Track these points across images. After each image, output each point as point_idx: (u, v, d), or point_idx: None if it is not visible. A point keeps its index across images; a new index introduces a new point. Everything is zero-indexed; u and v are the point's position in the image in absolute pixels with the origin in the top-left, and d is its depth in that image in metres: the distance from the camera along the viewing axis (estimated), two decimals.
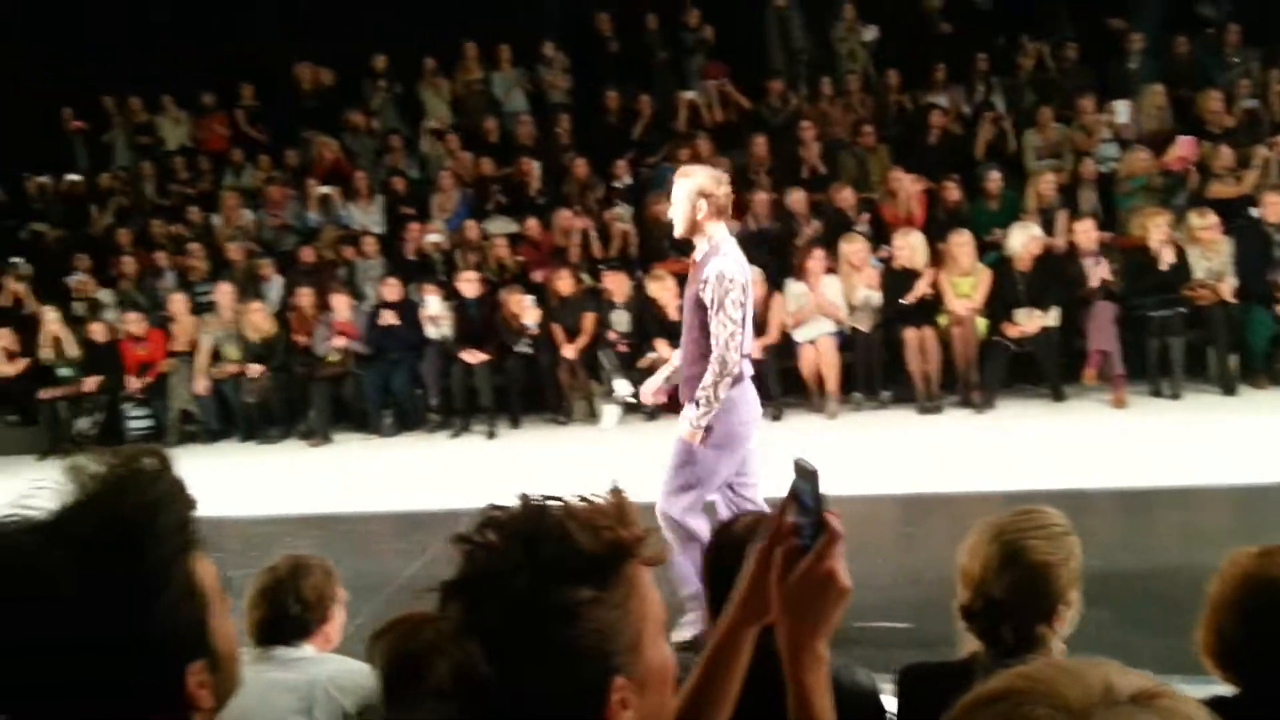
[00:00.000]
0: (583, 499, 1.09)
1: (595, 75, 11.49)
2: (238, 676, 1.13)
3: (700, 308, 3.98)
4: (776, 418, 8.14)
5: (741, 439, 4.11)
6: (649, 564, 1.11)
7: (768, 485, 4.23)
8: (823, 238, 8.82)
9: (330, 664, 2.63)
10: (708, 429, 4.04)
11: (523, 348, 8.73)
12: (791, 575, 1.18)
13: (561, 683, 1.02)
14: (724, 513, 4.19)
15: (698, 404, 4.00)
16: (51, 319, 9.61)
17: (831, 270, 8.34)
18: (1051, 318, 7.78)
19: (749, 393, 4.12)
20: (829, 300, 8.18)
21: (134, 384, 9.30)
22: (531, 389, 8.88)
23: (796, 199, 9.21)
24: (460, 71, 11.76)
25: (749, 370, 4.14)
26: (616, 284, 8.70)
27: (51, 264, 10.92)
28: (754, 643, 1.30)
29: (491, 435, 8.57)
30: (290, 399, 9.20)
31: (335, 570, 2.74)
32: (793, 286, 8.30)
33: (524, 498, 1.09)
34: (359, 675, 2.59)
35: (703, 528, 4.11)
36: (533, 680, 1.01)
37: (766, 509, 4.25)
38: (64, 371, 9.50)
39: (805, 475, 1.20)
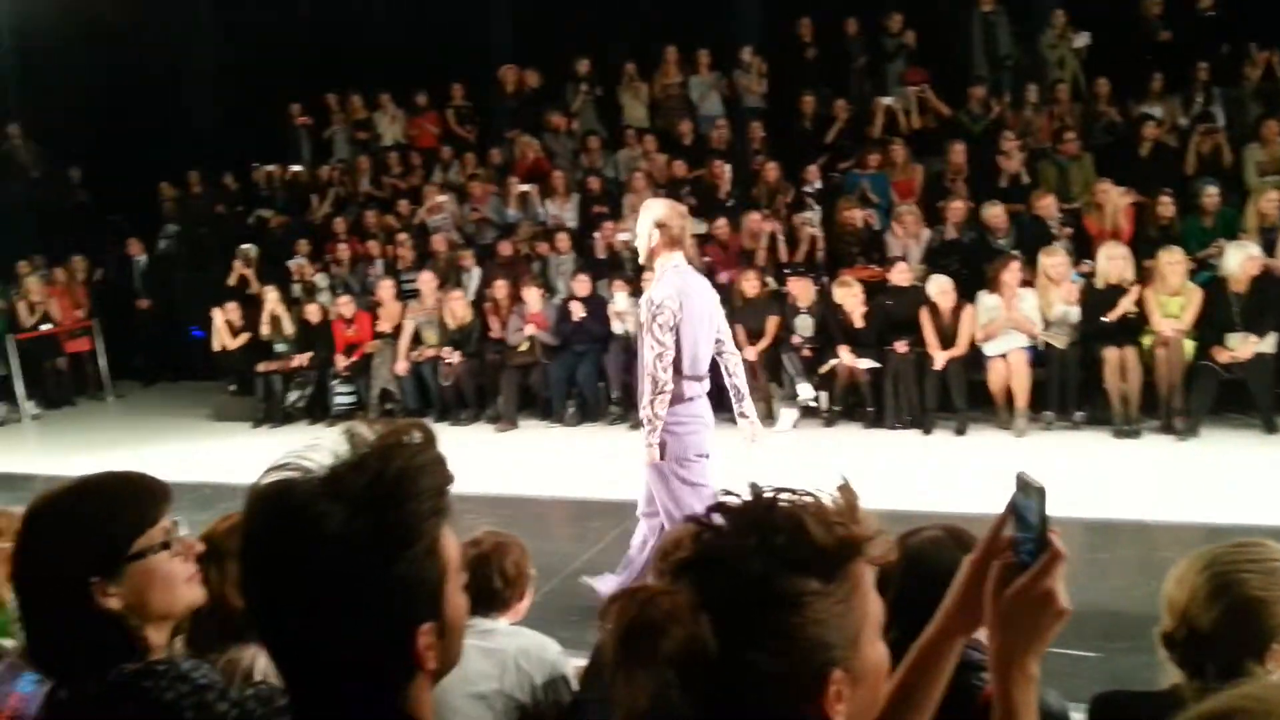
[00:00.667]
0: (811, 494, 1.11)
1: (792, 80, 11.48)
2: (459, 650, 1.19)
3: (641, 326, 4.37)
4: (960, 432, 7.94)
5: (695, 445, 4.48)
6: (876, 563, 1.12)
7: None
8: (1021, 249, 8.52)
9: (521, 637, 2.76)
10: (662, 445, 4.37)
11: None
12: (1008, 590, 1.16)
13: (782, 668, 1.04)
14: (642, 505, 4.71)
15: (644, 424, 4.36)
16: (272, 298, 10.41)
17: (1028, 283, 8.05)
18: (1267, 343, 7.24)
19: (691, 407, 4.45)
20: (1023, 314, 7.89)
21: (341, 362, 9.95)
22: (712, 387, 8.94)
23: (994, 212, 8.91)
24: (659, 75, 11.99)
25: (695, 390, 4.49)
26: (801, 289, 8.67)
27: (274, 247, 11.81)
28: (958, 654, 1.30)
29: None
30: (482, 384, 9.63)
31: (528, 549, 2.87)
32: (985, 299, 8.05)
33: (755, 488, 1.12)
34: (546, 650, 2.73)
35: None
36: (755, 662, 1.04)
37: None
38: (280, 347, 10.28)
39: (1029, 491, 1.18)
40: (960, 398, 7.96)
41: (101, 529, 1.49)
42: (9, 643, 2.46)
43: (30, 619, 1.50)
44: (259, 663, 2.33)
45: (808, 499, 1.10)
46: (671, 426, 4.38)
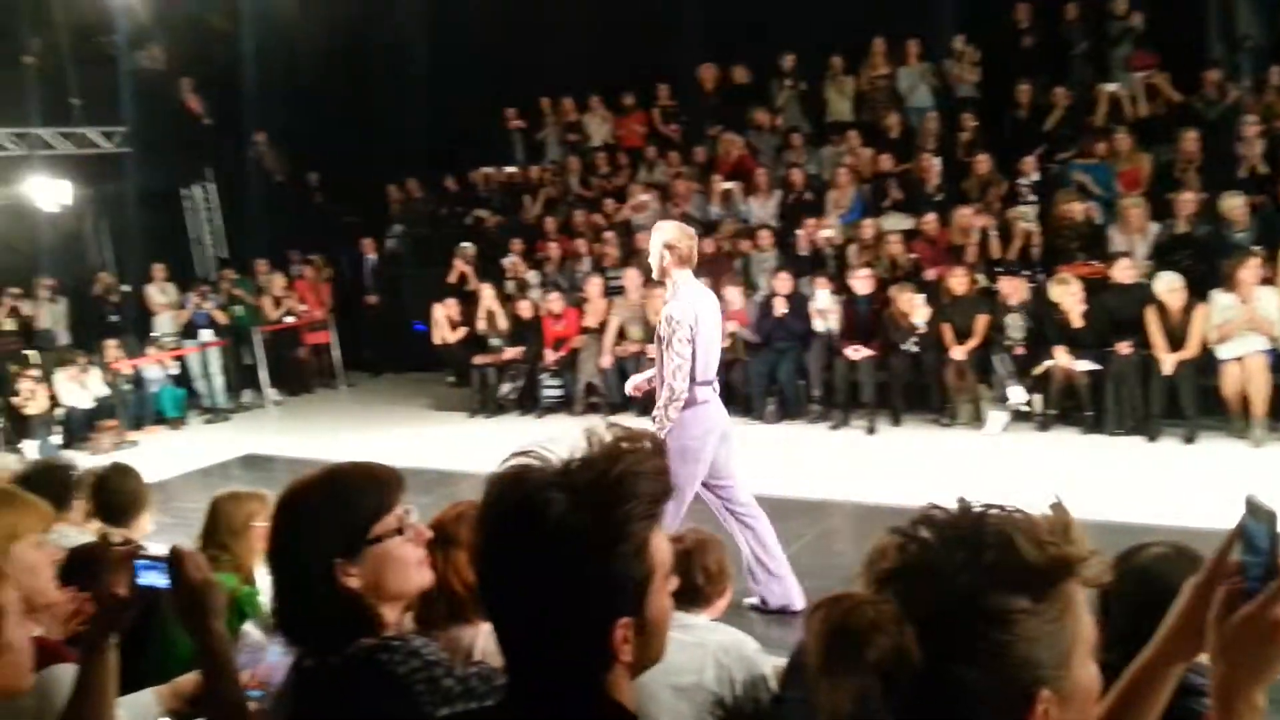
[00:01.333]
0: (1021, 511, 1.10)
1: (1006, 68, 11.03)
2: (660, 649, 1.24)
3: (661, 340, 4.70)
4: (1189, 440, 7.43)
5: (694, 452, 4.74)
6: (1089, 584, 1.10)
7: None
8: (1262, 243, 7.89)
9: (721, 633, 2.83)
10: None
11: (909, 346, 8.64)
12: (1234, 617, 1.12)
13: (988, 684, 1.04)
14: (719, 514, 5.06)
15: (654, 422, 4.65)
16: (488, 295, 10.94)
17: (1269, 281, 7.44)
18: None
19: (701, 411, 4.76)
20: (1262, 314, 7.30)
21: (550, 356, 10.34)
22: (915, 387, 8.78)
23: (1233, 204, 8.27)
24: (865, 68, 11.78)
25: (706, 394, 4.79)
26: (1013, 286, 8.34)
27: (490, 246, 12.39)
28: (1177, 679, 1.27)
29: (871, 430, 8.58)
30: None
31: (729, 547, 2.95)
32: (1220, 298, 7.50)
33: (963, 501, 1.12)
34: (745, 647, 2.78)
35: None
36: (961, 676, 1.04)
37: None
38: (494, 342, 10.79)
39: (1259, 515, 1.14)
40: (1190, 403, 7.45)
41: (345, 514, 1.63)
42: (252, 629, 2.72)
43: (281, 594, 1.65)
44: (479, 642, 2.51)
45: (1018, 515, 1.09)
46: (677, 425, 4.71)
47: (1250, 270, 7.34)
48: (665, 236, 4.82)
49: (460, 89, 13.44)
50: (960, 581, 1.05)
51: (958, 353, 8.36)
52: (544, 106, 13.62)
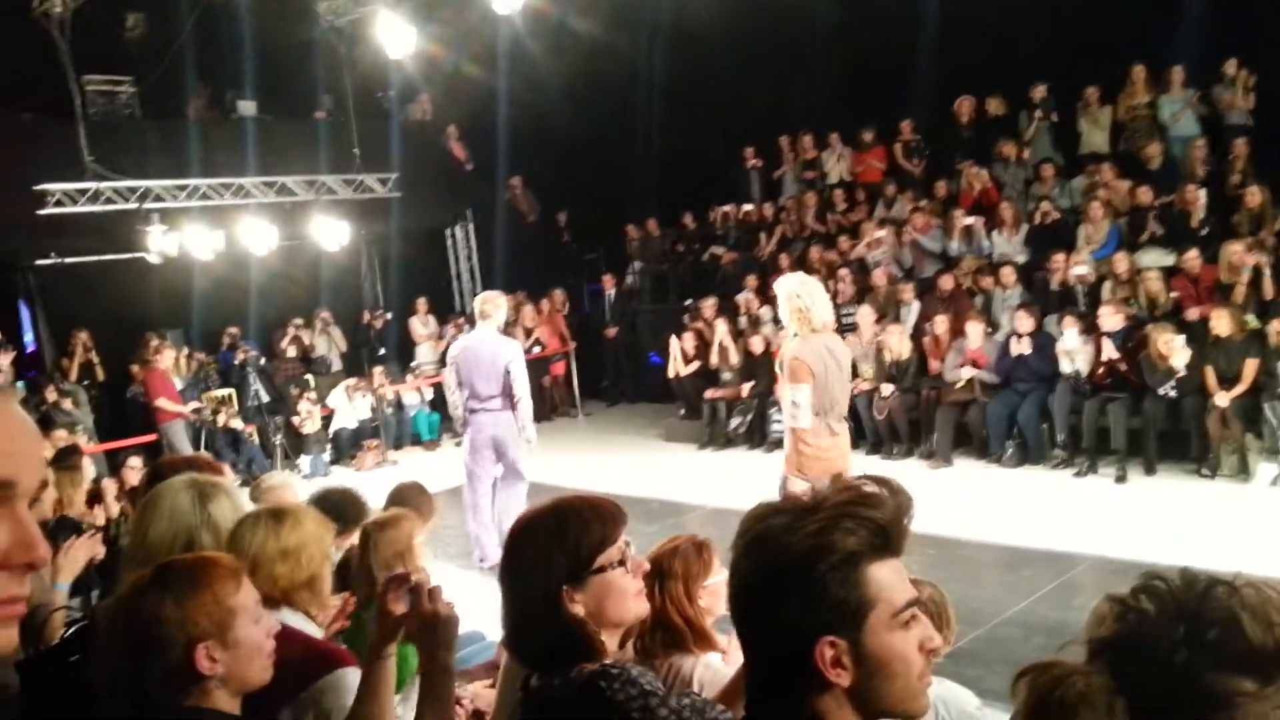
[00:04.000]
0: (1252, 585, 1.06)
1: None
2: (903, 697, 1.27)
3: None
4: None
5: None
6: None
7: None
8: None
9: (941, 686, 2.79)
10: None
11: (1167, 390, 8.08)
12: None
13: None
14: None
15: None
16: (721, 331, 11.13)
17: None
18: None
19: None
20: None
21: (779, 392, 10.37)
22: (1172, 434, 8.17)
23: None
24: (1124, 97, 11.17)
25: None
26: None
27: (726, 283, 12.60)
28: None
29: (1121, 479, 8.07)
30: (916, 419, 9.56)
31: (946, 595, 2.88)
32: None
33: (1188, 572, 1.09)
34: (966, 702, 2.73)
35: None
36: None
37: None
38: (726, 376, 10.95)
39: None
40: None
41: (572, 545, 1.75)
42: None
43: (511, 616, 1.78)
44: (697, 672, 2.62)
45: (1248, 591, 1.04)
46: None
47: None
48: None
49: (699, 129, 13.80)
50: (1179, 658, 1.02)
51: (1222, 399, 7.74)
52: (782, 144, 13.74)
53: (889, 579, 1.26)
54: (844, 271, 11.31)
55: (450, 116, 15.15)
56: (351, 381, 12.33)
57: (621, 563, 1.78)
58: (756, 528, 1.30)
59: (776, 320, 11.40)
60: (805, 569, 1.23)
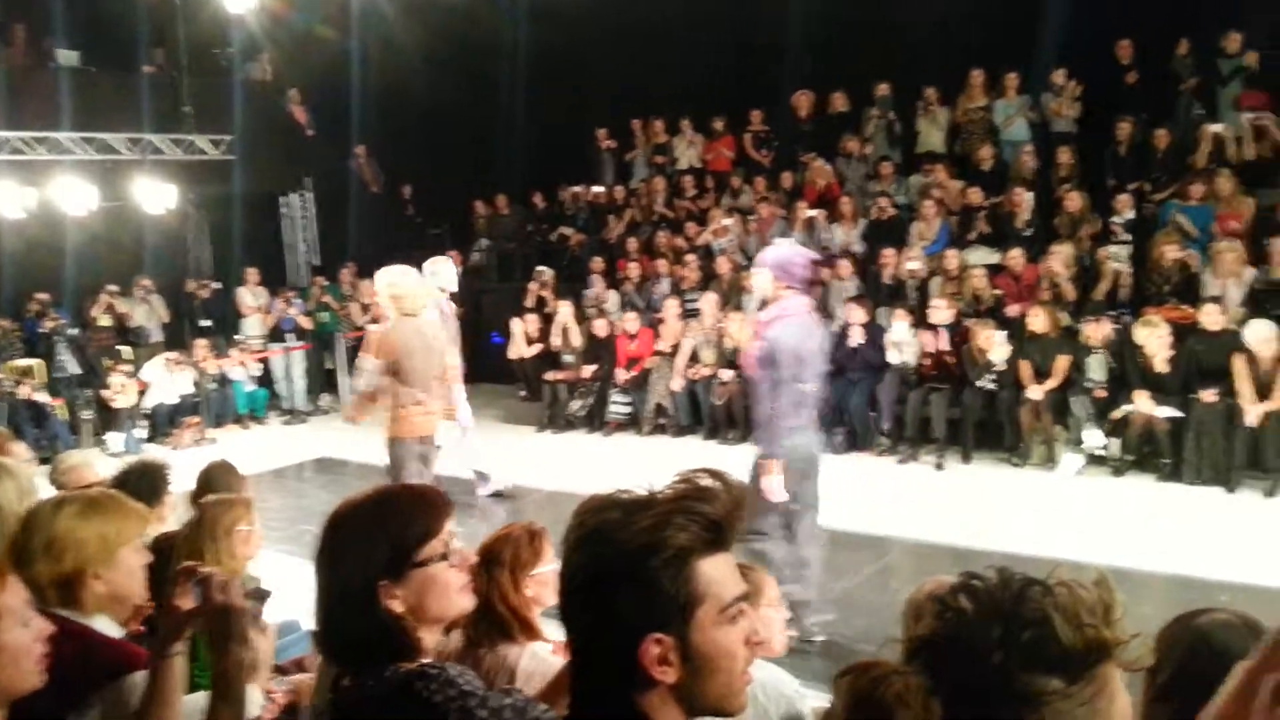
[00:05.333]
0: (1065, 585, 1.09)
1: (1108, 104, 10.80)
2: (727, 694, 1.25)
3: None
4: (1271, 494, 7.15)
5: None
6: (1128, 668, 1.09)
7: None
8: None
9: (760, 670, 2.83)
10: None
11: (985, 382, 8.50)
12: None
13: None
14: None
15: None
16: (564, 312, 11.08)
17: None
18: None
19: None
20: None
21: (622, 376, 10.42)
22: (988, 425, 8.61)
23: None
24: (962, 99, 11.66)
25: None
26: (1096, 328, 8.15)
27: (573, 264, 12.55)
28: None
29: (940, 467, 8.45)
30: (751, 406, 9.73)
31: (769, 579, 2.87)
32: None
33: (1004, 572, 1.11)
34: (785, 685, 2.73)
35: None
36: None
37: None
38: (568, 358, 10.91)
39: None
40: (1274, 456, 7.16)
41: (392, 537, 1.65)
42: None
43: (323, 612, 1.67)
44: (522, 661, 2.57)
45: (1061, 591, 1.07)
46: None
47: None
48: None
49: (554, 109, 13.69)
50: (995, 659, 1.04)
51: (1035, 392, 8.18)
52: (635, 128, 13.76)
53: (719, 574, 1.24)
54: (690, 258, 11.44)
55: (296, 78, 14.49)
56: (172, 354, 11.67)
57: (444, 556, 1.69)
58: (589, 522, 1.26)
59: (622, 304, 11.55)
60: (636, 565, 1.20)
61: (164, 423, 11.24)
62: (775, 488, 4.79)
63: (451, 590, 1.71)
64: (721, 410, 9.80)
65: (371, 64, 13.87)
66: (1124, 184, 10.03)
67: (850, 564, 6.20)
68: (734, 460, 8.87)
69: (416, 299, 5.88)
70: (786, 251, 5.04)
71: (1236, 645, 1.73)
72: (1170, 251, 8.77)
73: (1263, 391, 7.26)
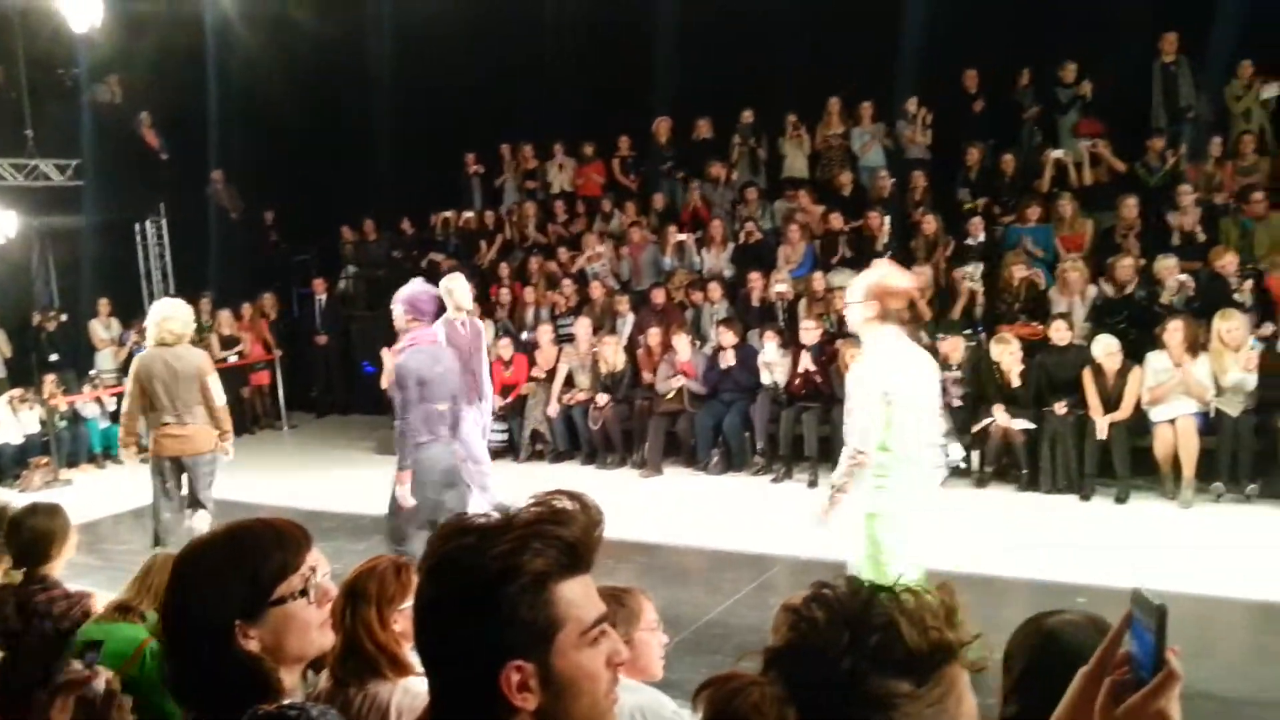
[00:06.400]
0: (910, 590, 1.12)
1: (957, 132, 11.31)
2: (571, 709, 1.22)
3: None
4: (1121, 500, 7.57)
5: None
6: (971, 669, 1.13)
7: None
8: (1197, 308, 8.11)
9: (640, 694, 2.80)
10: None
11: None
12: (1119, 709, 1.11)
13: None
14: None
15: None
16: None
17: (1202, 346, 7.64)
18: None
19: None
20: (1195, 378, 7.49)
21: (497, 402, 10.27)
22: None
23: (1165, 265, 8.52)
24: (821, 126, 12.02)
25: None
26: (952, 345, 8.50)
27: None
28: None
29: (813, 484, 8.63)
30: (629, 429, 9.79)
31: (649, 600, 2.85)
32: (1154, 360, 7.68)
33: (853, 581, 1.15)
34: (664, 707, 2.73)
35: None
36: None
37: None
38: None
39: (1148, 609, 1.12)
40: (1123, 464, 7.60)
41: (248, 574, 1.59)
42: None
43: (174, 655, 1.60)
44: (395, 698, 2.49)
45: (906, 597, 1.11)
46: None
47: (1183, 334, 7.53)
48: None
49: (421, 134, 13.54)
50: (845, 664, 1.07)
51: None
52: (503, 152, 13.71)
53: (578, 597, 1.23)
54: (566, 282, 11.44)
55: (148, 101, 13.91)
56: (16, 391, 11.00)
57: (304, 592, 1.63)
58: (443, 549, 1.23)
59: (496, 330, 11.44)
60: (493, 592, 1.18)
61: (10, 464, 10.56)
62: (404, 496, 5.57)
63: (311, 628, 1.65)
64: (599, 434, 9.80)
65: (230, 86, 13.46)
66: (975, 207, 10.50)
67: (729, 582, 6.28)
68: (613, 484, 8.95)
69: (167, 331, 6.40)
70: (415, 289, 5.92)
71: (1085, 644, 1.82)
72: (1018, 271, 9.22)
73: (1109, 403, 7.67)
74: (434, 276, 12.86)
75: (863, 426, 4.17)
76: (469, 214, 13.54)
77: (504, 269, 12.16)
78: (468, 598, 1.19)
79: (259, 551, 1.62)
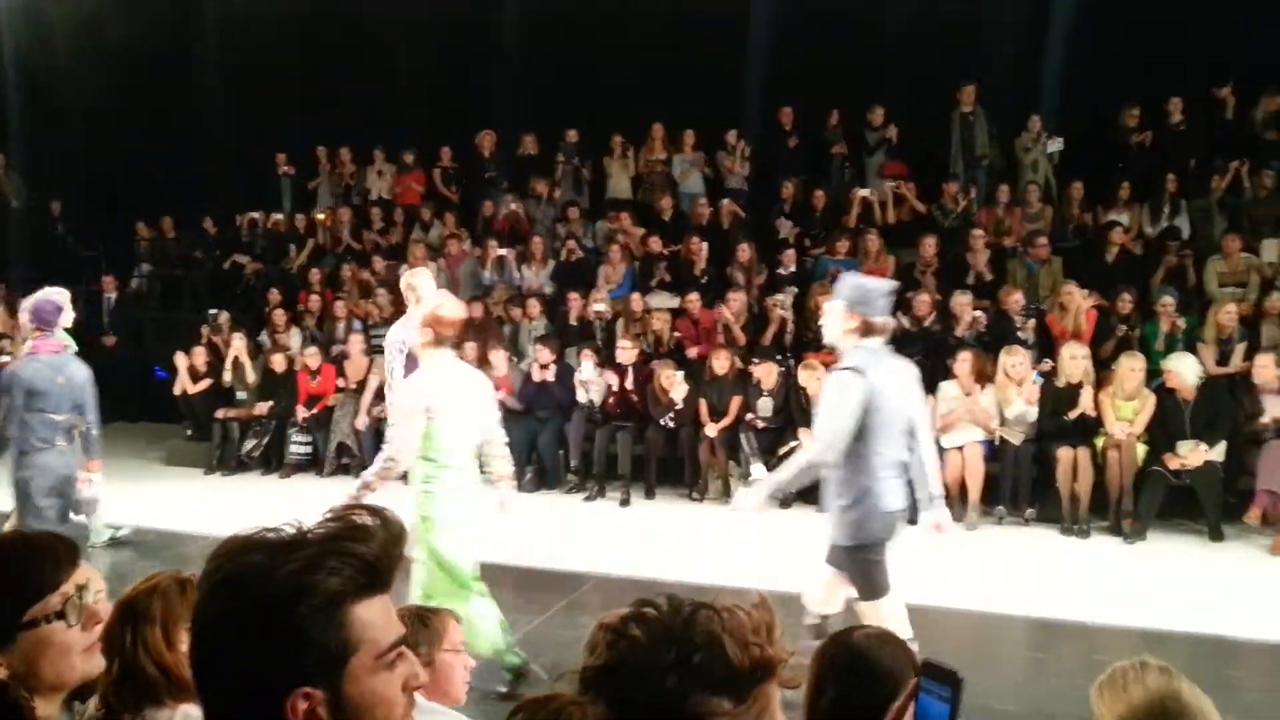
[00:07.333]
0: (730, 608, 1.12)
1: (773, 165, 11.73)
2: None
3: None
4: (912, 522, 7.92)
5: None
6: (786, 685, 1.13)
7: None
8: (983, 343, 8.66)
9: (438, 717, 2.72)
10: None
11: (667, 420, 8.86)
12: None
13: None
14: None
15: None
16: (238, 346, 10.36)
17: (989, 378, 8.16)
18: (1217, 452, 7.36)
19: None
20: (982, 408, 7.99)
21: (302, 413, 9.89)
22: (670, 462, 8.98)
23: (959, 302, 9.07)
24: (644, 150, 12.20)
25: None
26: (764, 370, 8.76)
27: (248, 294, 11.81)
28: None
29: (625, 502, 8.69)
30: None
31: (455, 621, 2.78)
32: (946, 389, 8.15)
33: (674, 599, 1.13)
34: None
35: None
36: None
37: None
38: (242, 395, 10.22)
39: (940, 677, 1.14)
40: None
41: None
42: None
43: None
44: None
45: (727, 615, 1.11)
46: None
47: (972, 366, 8.03)
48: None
49: (229, 130, 12.93)
50: (668, 682, 1.05)
51: (711, 430, 8.64)
52: (320, 155, 13.24)
53: (375, 618, 1.15)
54: (381, 292, 11.11)
55: None
56: None
57: (61, 614, 1.50)
58: (228, 566, 1.12)
59: (305, 338, 10.98)
60: (283, 613, 1.09)
61: None
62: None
63: (71, 653, 1.54)
64: None
65: (14, 67, 12.47)
66: (788, 239, 10.89)
67: (540, 601, 6.21)
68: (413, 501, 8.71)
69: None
70: (39, 297, 5.85)
71: (881, 655, 1.90)
72: (826, 301, 9.58)
73: None
74: (238, 278, 12.34)
75: (400, 435, 4.50)
76: (278, 216, 13.00)
77: (315, 274, 11.71)
78: (254, 619, 1.09)
79: (11, 570, 1.50)
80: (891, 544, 4.33)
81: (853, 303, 4.26)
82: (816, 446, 4.25)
